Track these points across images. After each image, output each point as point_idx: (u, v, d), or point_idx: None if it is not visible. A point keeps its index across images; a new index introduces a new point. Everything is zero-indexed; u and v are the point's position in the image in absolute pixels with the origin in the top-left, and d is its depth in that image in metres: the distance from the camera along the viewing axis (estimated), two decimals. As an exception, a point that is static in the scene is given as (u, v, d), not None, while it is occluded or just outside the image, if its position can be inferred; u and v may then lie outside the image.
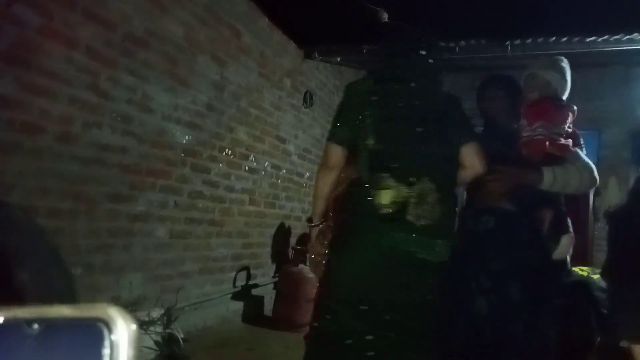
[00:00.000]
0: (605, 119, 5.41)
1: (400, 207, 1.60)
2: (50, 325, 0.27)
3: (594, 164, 2.05)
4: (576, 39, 4.53)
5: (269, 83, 4.53)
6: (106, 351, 0.26)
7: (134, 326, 0.27)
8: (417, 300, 1.65)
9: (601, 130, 5.45)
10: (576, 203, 2.25)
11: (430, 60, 1.86)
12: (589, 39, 4.45)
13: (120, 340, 0.26)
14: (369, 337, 1.61)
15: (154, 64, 3.12)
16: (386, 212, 1.61)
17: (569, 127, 2.01)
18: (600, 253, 4.17)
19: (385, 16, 3.85)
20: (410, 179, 1.62)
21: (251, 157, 4.34)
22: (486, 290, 1.76)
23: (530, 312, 1.77)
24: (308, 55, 5.04)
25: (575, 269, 4.17)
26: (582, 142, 2.05)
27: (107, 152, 2.82)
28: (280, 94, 4.73)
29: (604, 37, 4.41)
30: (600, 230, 4.71)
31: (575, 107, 2.11)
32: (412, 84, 1.76)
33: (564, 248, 1.97)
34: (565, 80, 2.14)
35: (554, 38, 4.63)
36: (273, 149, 4.66)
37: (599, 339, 2.12)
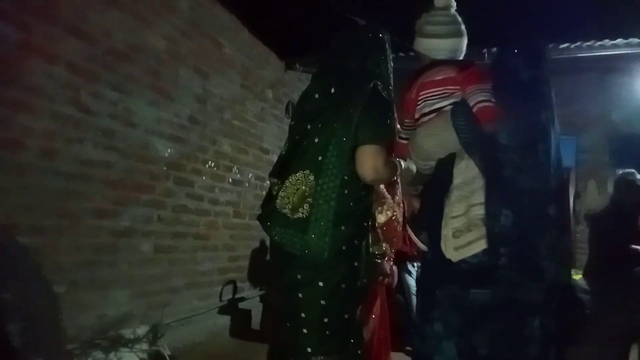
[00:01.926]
0: (582, 124, 5.54)
1: (274, 200, 1.61)
2: None
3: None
4: (550, 45, 4.66)
5: (252, 95, 4.54)
6: None
7: None
8: (290, 297, 1.60)
9: (579, 135, 5.57)
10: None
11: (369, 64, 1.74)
12: (562, 46, 4.57)
13: None
14: (281, 340, 1.68)
15: (136, 77, 3.10)
16: (266, 206, 1.65)
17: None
18: (582, 255, 4.25)
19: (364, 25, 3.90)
20: (286, 174, 1.60)
21: (235, 169, 4.33)
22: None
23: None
24: (290, 67, 5.07)
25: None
26: None
27: (90, 167, 2.78)
28: (263, 105, 4.74)
29: (577, 44, 4.54)
30: (581, 233, 4.79)
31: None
32: (325, 86, 1.68)
33: None
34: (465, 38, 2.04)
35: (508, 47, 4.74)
36: (257, 161, 4.65)
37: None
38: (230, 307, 4.23)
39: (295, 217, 1.54)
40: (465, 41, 2.04)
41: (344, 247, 1.56)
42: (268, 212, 1.65)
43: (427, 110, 1.80)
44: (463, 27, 2.05)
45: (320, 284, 1.55)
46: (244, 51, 4.37)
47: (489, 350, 1.62)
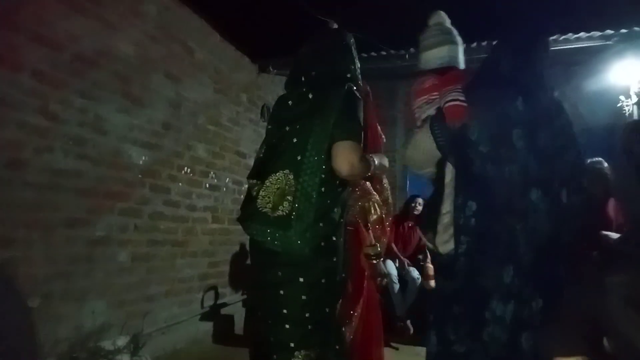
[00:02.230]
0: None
1: (254, 201, 1.64)
2: None
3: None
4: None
5: (226, 98, 4.52)
6: None
7: None
8: (271, 294, 1.63)
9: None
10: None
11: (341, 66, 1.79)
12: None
13: None
14: (261, 339, 1.68)
15: (105, 84, 3.06)
16: (246, 207, 1.68)
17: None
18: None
19: (334, 26, 3.92)
20: (266, 175, 1.65)
21: (212, 174, 4.30)
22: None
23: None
24: (263, 69, 5.06)
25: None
26: None
27: (61, 177, 2.73)
28: (238, 109, 4.72)
29: (543, 39, 4.66)
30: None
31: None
32: (300, 91, 1.74)
33: None
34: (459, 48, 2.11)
35: (494, 42, 4.85)
36: (234, 165, 4.63)
37: None
38: (212, 313, 4.19)
39: (276, 215, 1.57)
40: (459, 49, 2.10)
41: (322, 244, 1.60)
42: (248, 212, 1.67)
43: (423, 117, 1.94)
44: (454, 35, 2.12)
45: (301, 279, 1.58)
46: (216, 55, 4.34)
47: (455, 337, 1.70)
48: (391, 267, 4.54)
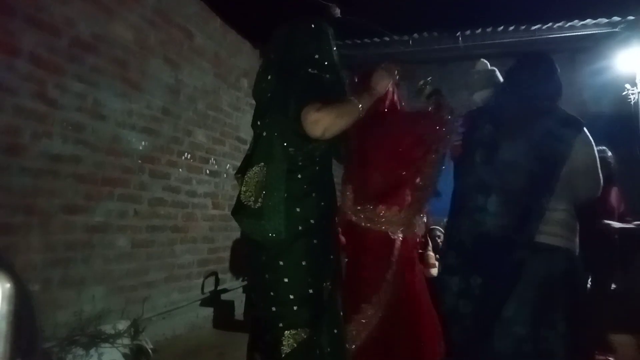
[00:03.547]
0: (554, 104, 5.62)
1: (239, 195, 1.72)
2: None
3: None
4: (522, 27, 4.70)
5: (226, 84, 4.48)
6: None
7: (8, 285, 0.28)
8: (259, 279, 1.72)
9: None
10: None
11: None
12: (534, 27, 4.61)
13: None
14: (256, 320, 1.82)
15: (103, 69, 3.03)
16: (236, 201, 1.75)
17: None
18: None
19: (337, 12, 3.88)
20: (247, 169, 1.72)
21: (212, 160, 4.28)
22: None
23: None
24: (264, 54, 5.01)
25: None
26: None
27: (59, 162, 2.72)
28: (238, 95, 4.69)
29: (548, 25, 4.59)
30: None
31: None
32: (271, 79, 1.76)
33: None
34: None
35: (501, 27, 4.78)
36: (234, 151, 4.61)
37: None
38: (213, 299, 4.21)
39: (256, 207, 1.65)
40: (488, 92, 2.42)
41: (300, 227, 1.65)
42: (236, 206, 1.74)
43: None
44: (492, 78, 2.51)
45: (281, 263, 1.65)
46: (216, 40, 4.30)
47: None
48: None
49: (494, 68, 2.57)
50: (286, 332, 1.63)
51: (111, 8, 3.08)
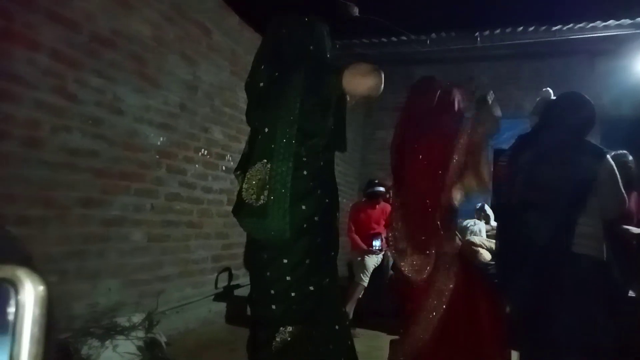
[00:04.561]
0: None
1: (240, 193, 1.70)
2: None
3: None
4: (542, 28, 4.63)
5: (242, 81, 4.45)
6: (12, 310, 0.27)
7: (41, 287, 0.28)
8: (259, 276, 1.71)
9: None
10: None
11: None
12: (554, 28, 4.54)
13: (27, 300, 0.26)
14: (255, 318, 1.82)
15: (122, 64, 3.06)
16: (236, 200, 1.74)
17: None
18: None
19: (356, 10, 3.86)
20: (247, 167, 1.70)
21: (228, 157, 4.30)
22: None
23: None
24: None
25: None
26: None
27: (77, 156, 2.75)
28: (254, 92, 4.69)
29: (569, 26, 4.52)
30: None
31: None
32: (268, 74, 1.76)
33: None
34: None
35: (521, 28, 4.72)
36: (249, 148, 4.61)
37: None
38: (226, 295, 4.23)
39: (258, 205, 1.61)
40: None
41: (305, 225, 1.63)
42: (236, 205, 1.72)
43: None
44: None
45: (285, 261, 1.63)
46: (233, 37, 4.31)
47: None
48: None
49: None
50: (281, 328, 1.62)
51: (130, 3, 3.11)
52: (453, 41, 5.01)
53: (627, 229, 3.27)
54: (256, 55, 1.84)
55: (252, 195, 1.64)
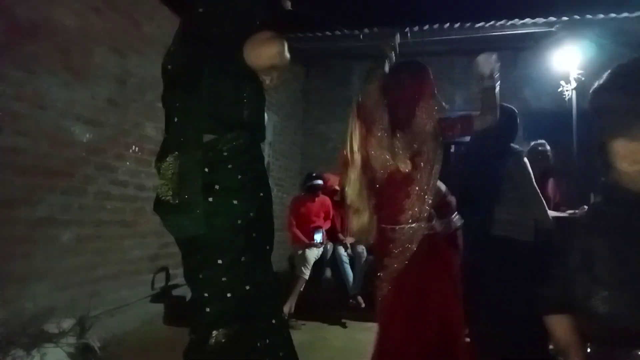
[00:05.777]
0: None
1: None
2: None
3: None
4: (467, 24, 4.89)
5: (176, 76, 4.37)
6: None
7: None
8: (193, 279, 1.56)
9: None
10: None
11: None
12: (478, 25, 4.80)
13: None
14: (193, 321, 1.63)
15: (44, 57, 2.89)
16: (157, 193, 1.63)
17: None
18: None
19: (288, 4, 3.88)
20: (165, 154, 1.59)
21: (162, 153, 4.18)
22: None
23: None
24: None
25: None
26: None
27: (-4, 154, 2.58)
28: (188, 87, 4.59)
29: (491, 23, 4.80)
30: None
31: None
32: (175, 59, 1.69)
33: None
34: None
35: (447, 24, 4.95)
36: (185, 144, 4.51)
37: None
38: (164, 295, 4.13)
39: (177, 202, 1.48)
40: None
41: (239, 222, 1.51)
42: (155, 201, 1.57)
43: None
44: None
45: (219, 261, 1.49)
46: (165, 29, 4.19)
47: None
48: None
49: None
50: (214, 332, 1.47)
51: (51, -7, 2.95)
52: (385, 36, 5.17)
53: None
54: (176, 34, 1.71)
55: (167, 191, 1.51)
